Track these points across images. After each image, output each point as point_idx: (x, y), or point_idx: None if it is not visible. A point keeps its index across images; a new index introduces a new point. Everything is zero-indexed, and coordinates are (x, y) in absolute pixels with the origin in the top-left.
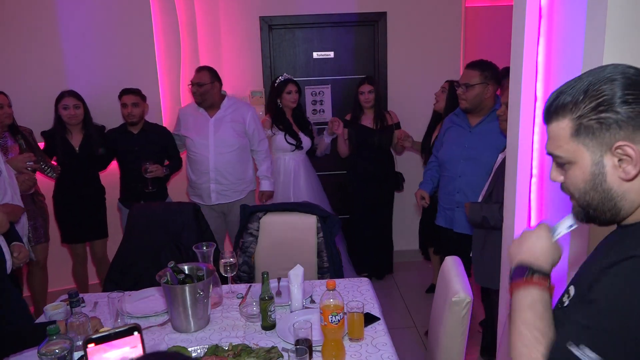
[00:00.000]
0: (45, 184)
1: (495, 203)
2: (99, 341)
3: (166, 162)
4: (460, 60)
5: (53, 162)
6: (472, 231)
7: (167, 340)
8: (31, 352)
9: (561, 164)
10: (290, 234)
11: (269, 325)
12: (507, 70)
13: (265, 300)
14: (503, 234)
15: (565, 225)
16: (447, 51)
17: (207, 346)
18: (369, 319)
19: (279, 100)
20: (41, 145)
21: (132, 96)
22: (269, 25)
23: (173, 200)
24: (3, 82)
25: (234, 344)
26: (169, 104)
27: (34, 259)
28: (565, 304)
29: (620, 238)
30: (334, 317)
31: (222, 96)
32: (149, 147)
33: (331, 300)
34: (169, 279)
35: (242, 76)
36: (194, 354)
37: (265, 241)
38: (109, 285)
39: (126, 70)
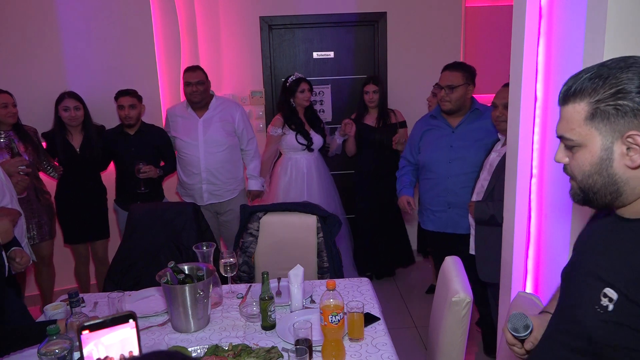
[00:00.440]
0: (50, 184)
1: (501, 200)
2: (93, 328)
3: (162, 164)
4: (461, 59)
5: (55, 163)
6: (466, 230)
7: (167, 340)
8: (31, 351)
9: (569, 147)
10: (290, 234)
11: (269, 325)
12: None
13: (265, 300)
14: (503, 233)
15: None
16: (447, 51)
17: (207, 346)
18: (369, 319)
19: (292, 100)
20: (43, 145)
21: (129, 98)
22: (269, 25)
23: (169, 201)
24: (4, 81)
25: (234, 344)
26: (169, 104)
27: (34, 260)
28: (609, 308)
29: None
30: (334, 317)
31: (211, 96)
32: (146, 149)
33: (331, 300)
34: (169, 279)
35: (242, 76)
36: (194, 354)
37: (265, 241)
38: (109, 285)
39: (126, 70)
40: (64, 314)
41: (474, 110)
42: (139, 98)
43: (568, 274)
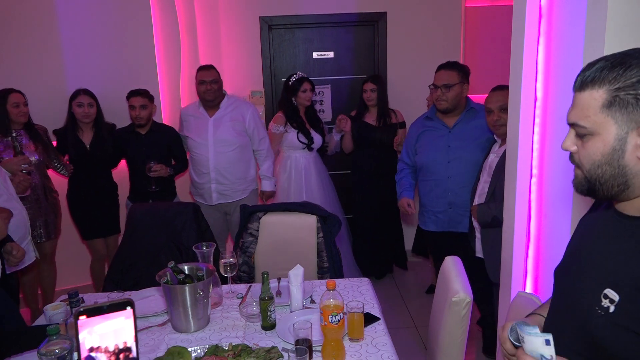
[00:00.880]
0: (59, 182)
1: (502, 202)
2: (90, 313)
3: (173, 163)
4: (460, 60)
5: (66, 161)
6: (466, 228)
7: (167, 340)
8: (31, 353)
9: (581, 135)
10: (290, 234)
11: (269, 325)
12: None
13: (265, 300)
14: (503, 233)
15: (543, 345)
16: (447, 51)
17: (207, 346)
18: (369, 319)
19: (294, 99)
20: (53, 143)
21: (140, 98)
22: (269, 25)
23: (181, 200)
24: (15, 81)
25: (234, 344)
26: (169, 103)
27: (38, 257)
28: (610, 310)
29: None
30: (334, 317)
31: (223, 95)
32: (157, 148)
33: (331, 300)
34: (169, 279)
35: (242, 76)
36: (194, 354)
37: (265, 241)
38: (108, 285)
39: (126, 70)
40: (64, 314)
41: (470, 110)
42: (150, 98)
43: (563, 273)
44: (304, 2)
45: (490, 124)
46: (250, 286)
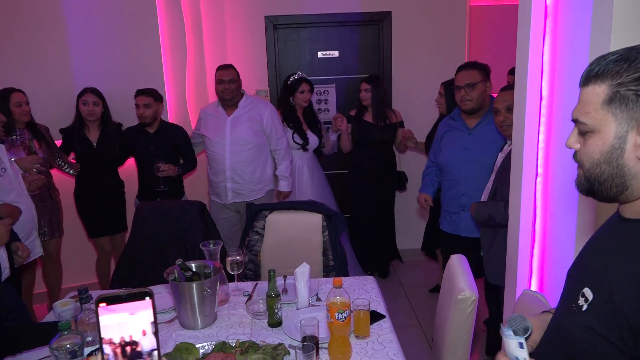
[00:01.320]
0: (66, 180)
1: (500, 201)
2: (110, 301)
3: (181, 162)
4: (465, 59)
5: (72, 160)
6: (478, 233)
7: (174, 337)
8: (41, 349)
9: (583, 132)
10: (296, 233)
11: (275, 323)
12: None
13: (272, 298)
14: (509, 232)
15: (517, 348)
16: (452, 50)
17: (215, 343)
18: (375, 316)
19: (291, 99)
20: (58, 142)
21: (144, 97)
22: (274, 25)
23: (190, 199)
24: (17, 80)
25: (241, 340)
26: (175, 103)
27: (42, 254)
28: (584, 309)
29: (637, 235)
30: (340, 315)
31: (241, 95)
32: (165, 147)
33: (338, 297)
34: (177, 276)
35: (247, 75)
36: (201, 351)
37: (271, 239)
38: (115, 283)
39: (132, 69)
40: (73, 311)
41: (492, 110)
42: (156, 97)
43: (567, 274)
44: (309, 1)
45: (497, 124)
46: (256, 284)
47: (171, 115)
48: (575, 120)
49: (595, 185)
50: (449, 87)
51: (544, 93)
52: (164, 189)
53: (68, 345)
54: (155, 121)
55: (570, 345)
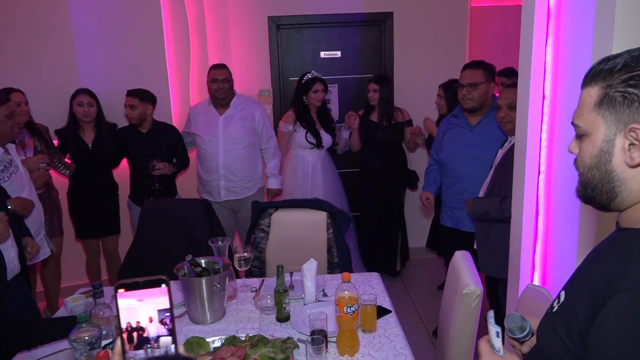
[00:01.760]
0: (61, 181)
1: (496, 197)
2: (129, 287)
3: (174, 161)
4: (466, 59)
5: (67, 160)
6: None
7: (184, 331)
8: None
9: (579, 136)
10: (301, 230)
11: (283, 317)
12: (503, 72)
13: (280, 293)
14: (511, 228)
15: (494, 336)
16: (453, 51)
17: (224, 337)
18: (381, 311)
19: (305, 98)
20: (54, 142)
21: (130, 98)
22: (277, 25)
23: (182, 197)
24: (16, 79)
25: (250, 335)
26: (179, 102)
27: (54, 250)
28: (554, 309)
29: (619, 244)
30: (349, 309)
31: (233, 94)
32: (158, 146)
33: (346, 292)
34: (187, 272)
35: (250, 75)
36: (212, 345)
37: (276, 237)
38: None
39: (136, 69)
40: (84, 306)
41: (494, 108)
42: (143, 99)
43: None
44: (312, 2)
45: (498, 119)
46: (263, 280)
47: (175, 115)
48: (572, 123)
49: (588, 191)
50: (448, 88)
51: (547, 92)
52: (160, 187)
53: (86, 337)
54: (146, 121)
55: (539, 346)
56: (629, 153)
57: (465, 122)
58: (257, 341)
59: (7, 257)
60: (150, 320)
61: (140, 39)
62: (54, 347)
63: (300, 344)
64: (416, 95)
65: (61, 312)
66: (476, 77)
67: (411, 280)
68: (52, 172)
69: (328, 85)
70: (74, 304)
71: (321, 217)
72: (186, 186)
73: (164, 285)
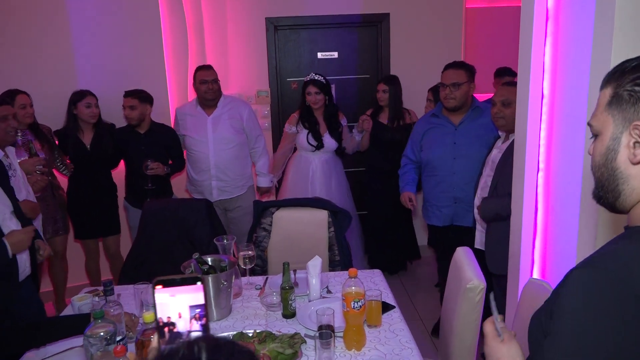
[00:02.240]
0: (62, 181)
1: (506, 196)
2: (166, 284)
3: (170, 162)
4: (461, 60)
5: (67, 161)
6: (471, 223)
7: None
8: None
9: (594, 136)
10: (303, 229)
11: (289, 314)
12: (499, 71)
13: (286, 290)
14: (511, 225)
15: (497, 318)
16: (448, 51)
17: (233, 333)
18: (385, 307)
19: (305, 100)
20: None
21: (129, 99)
22: (275, 26)
23: (182, 198)
24: (16, 80)
25: (257, 331)
26: (177, 103)
27: (51, 253)
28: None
29: (620, 240)
30: (356, 304)
31: (221, 94)
32: (155, 147)
33: (353, 287)
34: (194, 270)
35: (248, 76)
36: None
37: (278, 236)
38: (123, 280)
39: (135, 70)
40: (91, 305)
41: (475, 108)
42: (143, 99)
43: None
44: (309, 3)
45: (492, 114)
46: (267, 278)
47: (173, 116)
48: (588, 124)
49: (598, 190)
50: (437, 92)
51: (546, 92)
52: (152, 187)
53: (102, 333)
54: (144, 122)
55: (529, 343)
56: (632, 150)
57: (447, 121)
58: (265, 337)
59: (20, 259)
60: (180, 316)
61: (139, 41)
62: (63, 345)
63: (307, 339)
64: (412, 95)
65: (68, 311)
66: (459, 77)
67: (409, 278)
68: (54, 171)
69: None
70: (80, 302)
71: (322, 215)
72: (182, 186)
73: (199, 283)
